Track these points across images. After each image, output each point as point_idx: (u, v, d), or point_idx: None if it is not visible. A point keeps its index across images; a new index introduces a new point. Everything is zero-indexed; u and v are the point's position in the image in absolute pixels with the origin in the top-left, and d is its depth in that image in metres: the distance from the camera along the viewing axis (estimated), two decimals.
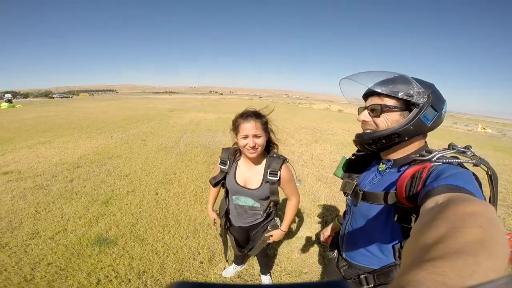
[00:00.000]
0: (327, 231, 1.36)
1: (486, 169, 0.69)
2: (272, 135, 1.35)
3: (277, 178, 1.31)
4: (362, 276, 0.93)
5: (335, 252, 1.12)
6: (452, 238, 0.29)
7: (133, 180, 3.85)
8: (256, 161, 1.35)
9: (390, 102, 0.80)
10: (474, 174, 0.65)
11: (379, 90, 0.79)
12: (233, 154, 1.40)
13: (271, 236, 1.48)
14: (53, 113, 13.95)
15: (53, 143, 6.16)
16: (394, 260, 0.86)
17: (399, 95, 0.77)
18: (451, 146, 0.73)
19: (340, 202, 3.41)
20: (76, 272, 1.93)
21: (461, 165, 0.70)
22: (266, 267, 1.96)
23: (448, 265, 0.24)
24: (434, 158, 0.70)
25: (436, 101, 0.77)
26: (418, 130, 0.78)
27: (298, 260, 2.26)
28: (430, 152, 0.73)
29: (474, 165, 0.69)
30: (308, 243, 2.49)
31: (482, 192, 0.59)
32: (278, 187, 1.36)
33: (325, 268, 2.10)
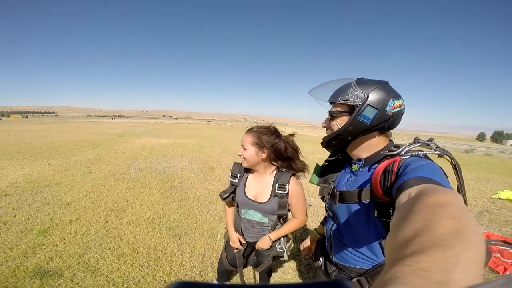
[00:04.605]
0: (307, 243, 1.37)
1: (449, 159, 0.74)
2: (290, 152, 1.34)
3: (286, 192, 1.30)
4: (354, 280, 0.92)
5: (321, 259, 1.12)
6: (429, 231, 0.29)
7: (76, 208, 3.51)
8: (265, 174, 1.37)
9: (337, 107, 0.87)
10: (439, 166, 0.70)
11: (324, 100, 0.91)
12: (244, 167, 1.39)
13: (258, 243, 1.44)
14: None
15: None
16: (384, 258, 0.85)
17: (337, 101, 0.85)
18: (416, 140, 0.78)
19: (316, 217, 3.49)
20: None
21: (427, 157, 0.74)
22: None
23: (429, 260, 0.24)
24: (403, 152, 0.73)
25: (376, 100, 0.79)
26: (359, 129, 0.83)
27: (276, 277, 2.23)
28: (398, 147, 0.78)
29: (439, 156, 0.74)
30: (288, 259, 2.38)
31: (449, 182, 0.63)
32: (287, 202, 1.34)
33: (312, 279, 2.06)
